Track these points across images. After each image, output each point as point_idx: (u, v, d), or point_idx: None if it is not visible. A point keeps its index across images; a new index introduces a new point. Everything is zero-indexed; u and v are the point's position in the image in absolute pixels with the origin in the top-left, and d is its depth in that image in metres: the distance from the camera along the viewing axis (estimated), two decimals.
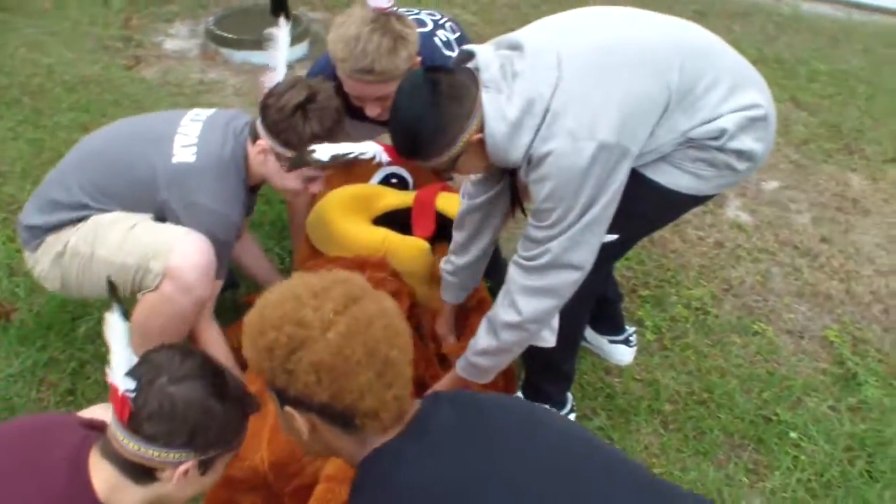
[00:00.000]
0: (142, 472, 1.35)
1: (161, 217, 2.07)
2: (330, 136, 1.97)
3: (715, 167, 1.81)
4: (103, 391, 2.33)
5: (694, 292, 2.95)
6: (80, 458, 1.36)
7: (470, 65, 1.74)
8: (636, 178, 1.79)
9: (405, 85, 1.70)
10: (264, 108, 2.03)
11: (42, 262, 2.12)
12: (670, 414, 2.44)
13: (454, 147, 1.68)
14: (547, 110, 1.64)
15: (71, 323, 2.58)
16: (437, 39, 2.40)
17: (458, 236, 2.15)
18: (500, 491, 1.22)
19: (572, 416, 2.34)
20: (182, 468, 1.35)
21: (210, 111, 2.18)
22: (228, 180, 2.07)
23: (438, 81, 1.65)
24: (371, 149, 1.75)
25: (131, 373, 1.33)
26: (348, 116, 2.15)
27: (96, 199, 2.05)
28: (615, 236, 1.86)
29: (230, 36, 4.49)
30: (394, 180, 2.51)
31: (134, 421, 1.32)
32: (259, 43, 4.10)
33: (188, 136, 2.08)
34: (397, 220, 2.35)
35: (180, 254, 1.99)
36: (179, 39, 4.56)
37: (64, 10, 4.87)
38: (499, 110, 1.65)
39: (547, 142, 1.65)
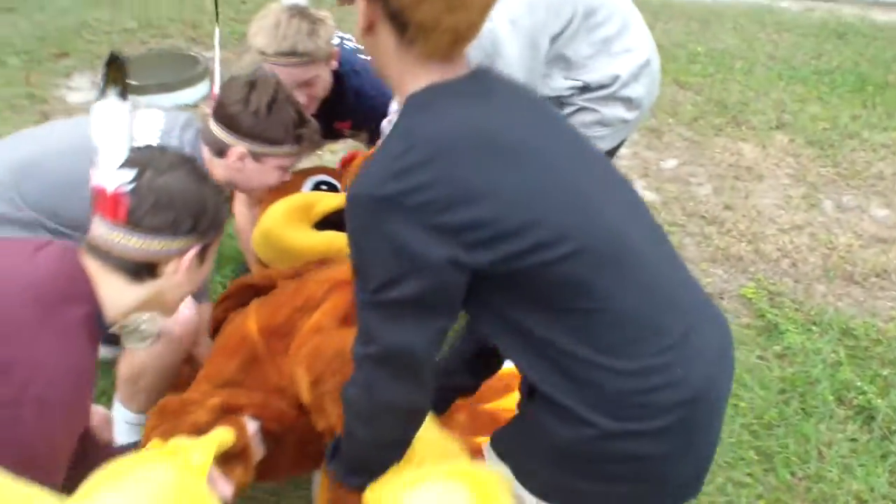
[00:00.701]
0: (142, 270, 1.35)
1: None
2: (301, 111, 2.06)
3: (608, 125, 2.00)
4: None
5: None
6: (69, 250, 1.36)
7: None
8: None
9: None
10: (231, 118, 2.00)
11: None
12: None
13: None
14: None
15: None
16: (347, 44, 2.49)
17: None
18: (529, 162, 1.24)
19: None
20: (188, 256, 1.37)
21: (151, 120, 2.12)
22: None
23: None
24: None
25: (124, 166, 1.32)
26: None
27: (50, 219, 1.92)
28: None
29: (134, 83, 4.45)
30: (324, 187, 2.56)
31: (133, 217, 1.31)
32: (164, 86, 4.08)
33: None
34: (339, 221, 2.40)
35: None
36: (82, 92, 4.50)
37: None
38: None
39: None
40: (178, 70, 4.40)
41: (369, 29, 1.26)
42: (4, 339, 1.19)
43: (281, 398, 1.75)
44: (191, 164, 1.40)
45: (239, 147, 2.03)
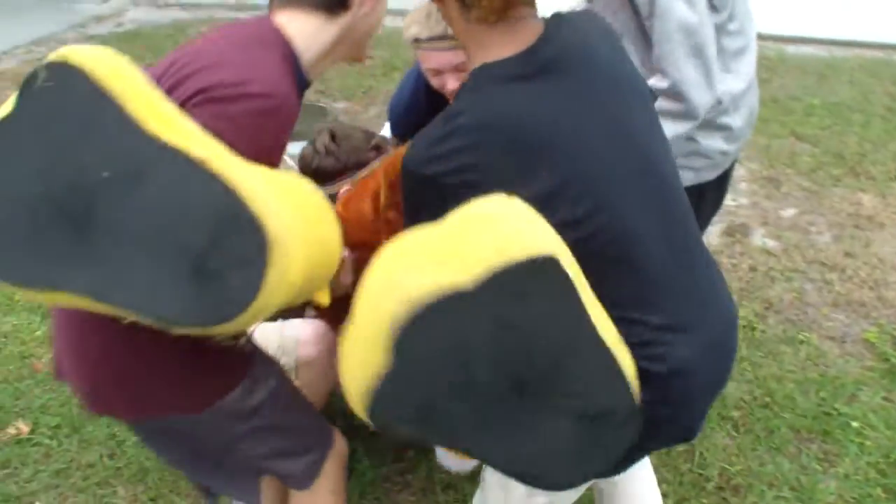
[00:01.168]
0: (336, 4, 1.46)
1: None
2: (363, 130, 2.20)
3: (706, 157, 2.10)
4: None
5: (739, 312, 3.19)
6: (261, 17, 1.48)
7: None
8: None
9: None
10: (316, 171, 2.12)
11: None
12: (739, 418, 2.67)
13: None
14: None
15: None
16: None
17: None
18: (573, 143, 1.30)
19: None
20: None
21: None
22: None
23: None
24: None
25: None
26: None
27: None
28: None
29: None
30: None
31: None
32: (297, 134, 4.41)
33: None
34: None
35: (304, 343, 2.11)
36: None
37: None
38: None
39: None
40: (309, 120, 4.74)
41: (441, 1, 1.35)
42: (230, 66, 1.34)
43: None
44: None
45: (343, 187, 2.13)
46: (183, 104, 1.29)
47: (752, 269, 3.53)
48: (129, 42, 6.67)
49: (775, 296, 3.33)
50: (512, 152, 1.26)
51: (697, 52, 1.90)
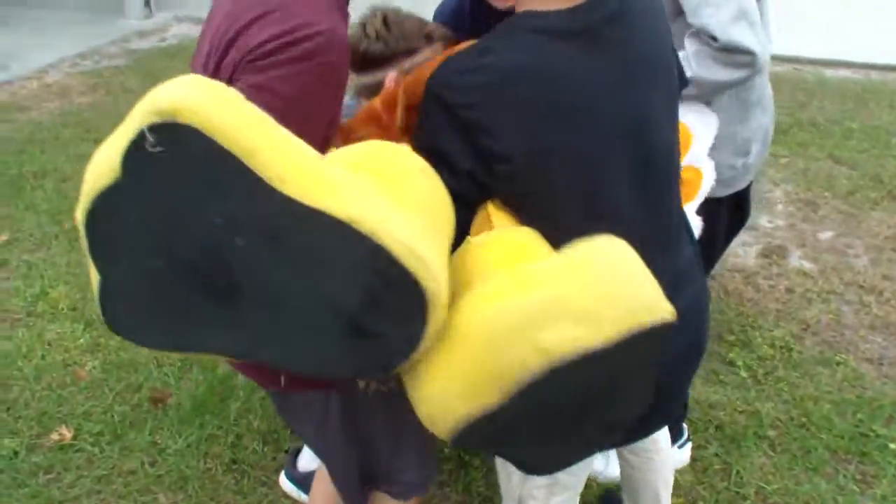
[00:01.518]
0: None
1: None
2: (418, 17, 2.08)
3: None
4: (262, 459, 2.65)
5: (776, 333, 3.22)
6: None
7: None
8: None
9: None
10: (364, 55, 1.98)
11: None
12: (776, 438, 2.69)
13: None
14: None
15: (221, 403, 2.89)
16: None
17: None
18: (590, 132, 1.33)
19: (688, 445, 2.59)
20: None
21: None
22: None
23: None
24: None
25: None
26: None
27: None
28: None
29: None
30: None
31: None
32: None
33: None
34: None
35: None
36: None
37: None
38: None
39: None
40: None
41: None
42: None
43: None
44: None
45: (389, 74, 2.02)
46: (237, 66, 1.30)
47: (790, 290, 3.54)
48: (172, 57, 6.81)
49: (812, 317, 3.34)
50: (529, 106, 1.28)
51: (743, 15, 1.92)
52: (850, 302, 3.46)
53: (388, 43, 1.99)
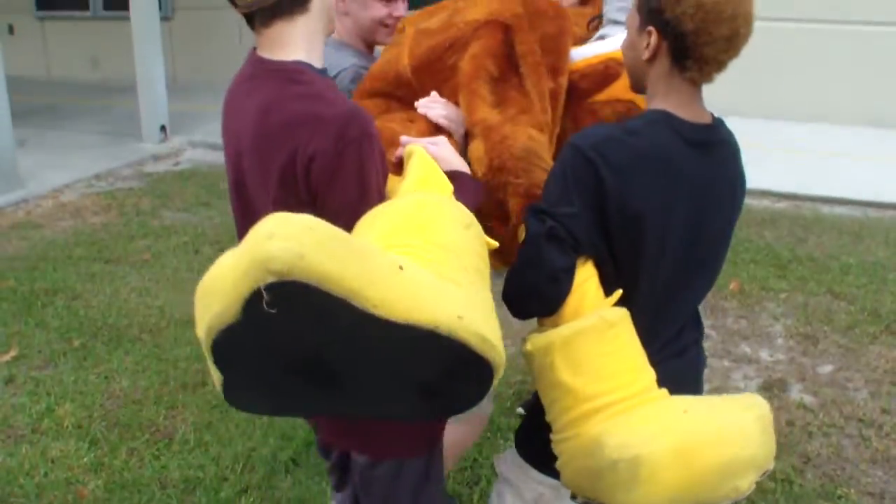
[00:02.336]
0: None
1: None
2: None
3: None
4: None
5: (777, 466, 3.25)
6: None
7: None
8: None
9: None
10: None
11: None
12: None
13: None
14: None
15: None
16: None
17: None
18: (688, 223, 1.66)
19: None
20: None
21: None
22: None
23: None
24: None
25: None
26: None
27: None
28: None
29: None
30: None
31: None
32: None
33: None
34: None
35: None
36: None
37: (162, 260, 5.46)
38: None
39: None
40: None
41: (652, 58, 1.63)
42: None
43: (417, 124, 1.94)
44: None
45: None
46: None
47: (790, 423, 3.61)
48: (185, 180, 7.09)
49: (813, 451, 3.40)
50: (652, 186, 1.59)
51: None
52: (851, 435, 3.52)
53: None
